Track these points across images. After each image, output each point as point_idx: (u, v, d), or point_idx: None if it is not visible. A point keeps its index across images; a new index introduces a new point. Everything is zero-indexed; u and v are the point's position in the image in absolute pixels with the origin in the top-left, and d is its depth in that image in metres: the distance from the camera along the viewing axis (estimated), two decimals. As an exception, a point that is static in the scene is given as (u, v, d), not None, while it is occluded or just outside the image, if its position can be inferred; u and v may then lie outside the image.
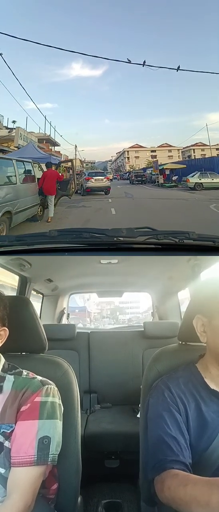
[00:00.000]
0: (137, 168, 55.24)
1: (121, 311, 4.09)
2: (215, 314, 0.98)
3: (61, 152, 38.93)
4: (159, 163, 32.36)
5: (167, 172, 28.71)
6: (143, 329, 2.69)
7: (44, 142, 29.21)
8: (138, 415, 1.84)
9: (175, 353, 1.25)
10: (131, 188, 25.13)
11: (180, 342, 1.29)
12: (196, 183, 20.76)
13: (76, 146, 46.15)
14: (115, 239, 1.33)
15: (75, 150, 45.97)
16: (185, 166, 30.13)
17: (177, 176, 27.24)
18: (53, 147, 34.15)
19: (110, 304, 4.08)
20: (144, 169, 43.62)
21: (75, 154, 45.76)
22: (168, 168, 29.65)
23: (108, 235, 1.33)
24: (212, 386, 1.01)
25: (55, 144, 34.52)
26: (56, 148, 36.50)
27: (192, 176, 21.56)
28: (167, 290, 3.04)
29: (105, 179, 18.43)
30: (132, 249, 1.40)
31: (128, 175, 39.18)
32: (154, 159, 33.40)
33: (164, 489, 0.84)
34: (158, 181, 27.54)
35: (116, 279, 3.06)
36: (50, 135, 32.39)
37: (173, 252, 1.44)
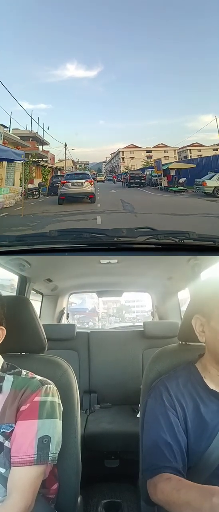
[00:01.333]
0: (132, 169, 47.83)
1: (127, 310, 4.15)
2: (213, 314, 0.99)
3: (50, 152, 36.81)
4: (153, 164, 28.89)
5: (173, 173, 23.19)
6: (143, 329, 2.69)
7: (30, 140, 27.44)
8: (138, 415, 1.84)
9: (175, 353, 1.25)
10: (128, 194, 19.64)
11: (180, 342, 1.29)
12: (216, 187, 16.23)
13: (65, 145, 41.65)
14: (115, 239, 1.33)
15: (65, 149, 41.67)
16: (194, 165, 24.65)
17: (185, 178, 22.26)
18: (42, 145, 32.26)
19: (116, 303, 4.17)
20: (142, 170, 36.76)
21: (65, 154, 41.76)
22: (174, 168, 23.86)
23: (108, 235, 1.33)
24: (211, 386, 1.01)
25: (43, 142, 32.33)
26: (46, 148, 34.49)
27: (210, 178, 16.89)
28: (167, 290, 3.04)
29: (86, 183, 13.98)
30: (132, 249, 1.40)
31: (125, 176, 31.85)
32: (157, 158, 25.70)
33: (157, 492, 0.87)
34: (160, 184, 22.81)
35: (116, 279, 3.06)
36: (37, 133, 30.20)
37: (173, 252, 1.44)
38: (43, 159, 30.98)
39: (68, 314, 3.64)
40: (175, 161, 32.30)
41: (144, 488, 1.00)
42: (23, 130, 28.05)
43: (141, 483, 1.10)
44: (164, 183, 22.49)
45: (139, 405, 1.43)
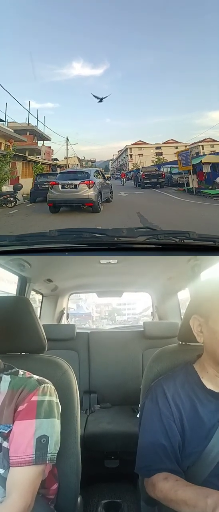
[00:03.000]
0: (140, 166, 37.46)
1: (119, 312, 4.33)
2: (212, 315, 0.99)
3: (52, 148, 33.88)
4: (165, 161, 24.20)
5: (206, 169, 16.47)
6: (143, 329, 2.69)
7: (28, 134, 24.83)
8: (138, 415, 1.83)
9: (175, 353, 1.25)
10: (147, 200, 13.61)
11: (180, 342, 1.29)
12: None
13: (67, 139, 36.36)
14: (115, 239, 1.33)
15: (66, 144, 36.37)
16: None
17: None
18: (42, 141, 29.41)
19: (108, 306, 4.38)
20: (158, 166, 28.50)
21: (66, 149, 36.60)
22: (209, 163, 16.75)
23: (108, 235, 1.33)
24: (209, 386, 1.02)
25: (42, 137, 29.12)
26: (47, 143, 31.14)
27: None
28: (167, 290, 3.04)
29: (82, 185, 9.76)
30: (132, 249, 1.40)
31: (136, 175, 25.93)
32: (183, 150, 19.06)
33: (156, 491, 0.93)
34: (187, 184, 16.56)
35: (116, 279, 3.06)
36: (36, 126, 27.24)
37: (173, 252, 1.44)
38: (38, 155, 25.93)
39: (68, 314, 3.64)
40: (209, 153, 22.80)
41: (144, 488, 1.01)
42: (20, 123, 25.18)
43: (141, 483, 1.11)
44: (194, 183, 16.05)
45: (139, 405, 1.43)
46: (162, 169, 24.03)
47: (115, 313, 4.33)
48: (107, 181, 12.84)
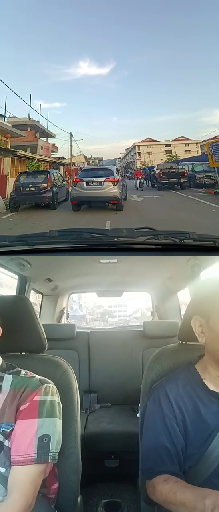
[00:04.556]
0: (150, 165, 35.07)
1: (110, 314, 4.45)
2: (212, 315, 0.98)
3: (56, 145, 31.85)
4: (178, 158, 20.94)
5: None
6: (143, 329, 2.69)
7: (29, 130, 22.83)
8: (138, 415, 1.84)
9: (175, 353, 1.25)
10: (171, 208, 10.56)
11: (180, 341, 1.29)
12: None
13: (71, 134, 32.76)
14: (115, 239, 1.33)
15: (70, 140, 32.83)
16: None
17: None
18: (46, 137, 27.22)
19: (100, 308, 4.57)
20: (177, 162, 24.51)
21: (70, 145, 33.18)
22: None
23: (108, 235, 1.33)
24: (211, 387, 1.02)
25: (45, 133, 26.63)
26: (51, 140, 29.02)
27: None
28: (167, 290, 3.04)
29: (107, 183, 9.69)
30: (132, 249, 1.41)
31: (149, 173, 23.05)
32: (215, 140, 14.99)
33: (156, 493, 0.93)
34: None
35: (116, 279, 3.06)
36: (39, 122, 25.07)
37: (173, 252, 1.44)
38: (36, 151, 22.01)
39: (68, 314, 3.64)
40: None
41: (144, 488, 1.01)
42: (19, 118, 22.90)
43: (141, 483, 1.11)
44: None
45: (139, 405, 1.43)
46: (180, 166, 20.24)
47: (106, 315, 4.45)
48: (124, 179, 13.05)
